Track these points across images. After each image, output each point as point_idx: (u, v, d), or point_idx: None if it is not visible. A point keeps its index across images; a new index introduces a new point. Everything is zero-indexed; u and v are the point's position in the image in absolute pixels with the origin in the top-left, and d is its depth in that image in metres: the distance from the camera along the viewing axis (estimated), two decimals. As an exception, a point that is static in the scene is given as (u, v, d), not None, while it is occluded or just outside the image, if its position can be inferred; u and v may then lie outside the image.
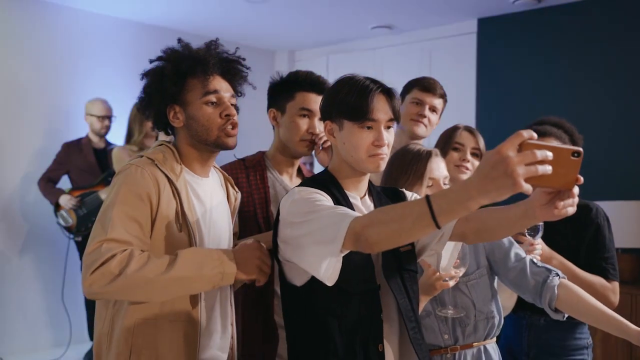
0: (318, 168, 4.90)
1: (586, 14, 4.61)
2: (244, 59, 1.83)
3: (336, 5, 4.93)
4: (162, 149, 1.72)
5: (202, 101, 1.71)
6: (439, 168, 1.95)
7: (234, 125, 1.73)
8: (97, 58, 5.12)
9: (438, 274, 1.73)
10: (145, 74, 1.76)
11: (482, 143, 2.35)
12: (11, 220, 4.70)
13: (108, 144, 4.65)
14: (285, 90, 2.13)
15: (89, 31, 5.09)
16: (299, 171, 2.23)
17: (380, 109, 1.54)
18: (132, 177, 1.59)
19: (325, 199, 1.51)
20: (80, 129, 4.75)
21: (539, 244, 2.05)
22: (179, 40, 1.79)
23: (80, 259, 4.49)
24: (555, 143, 2.10)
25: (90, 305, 4.51)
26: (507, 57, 5.03)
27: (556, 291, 1.84)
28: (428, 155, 1.95)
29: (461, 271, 1.75)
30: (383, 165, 1.58)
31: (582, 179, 1.17)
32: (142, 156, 1.68)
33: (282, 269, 1.60)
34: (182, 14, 5.15)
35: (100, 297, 1.52)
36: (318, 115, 2.03)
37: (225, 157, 2.15)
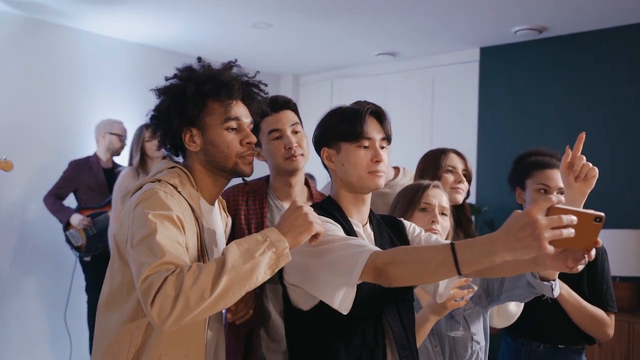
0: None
1: (587, 45, 4.69)
2: (265, 85, 1.77)
3: (342, 32, 5.02)
4: (178, 172, 1.64)
5: (223, 127, 1.63)
6: (436, 196, 2.00)
7: (253, 154, 1.68)
8: (106, 80, 5.19)
9: (451, 292, 1.72)
10: (162, 92, 1.67)
11: (469, 165, 2.43)
12: (10, 237, 4.68)
13: (115, 165, 4.68)
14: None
15: (99, 53, 5.17)
16: (310, 195, 2.26)
17: (373, 128, 1.64)
18: (163, 204, 1.50)
19: (337, 229, 1.56)
20: (86, 148, 4.81)
21: None
22: (199, 60, 1.70)
23: (86, 280, 4.52)
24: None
25: (94, 326, 4.49)
26: (508, 85, 5.10)
27: None
28: (427, 185, 2.02)
29: (473, 290, 1.76)
30: (382, 183, 1.63)
31: (600, 242, 1.23)
32: (159, 180, 1.59)
33: (287, 293, 1.63)
34: (190, 38, 5.24)
35: (177, 325, 1.36)
36: (288, 130, 2.11)
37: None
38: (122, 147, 4.64)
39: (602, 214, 1.18)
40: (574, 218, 1.15)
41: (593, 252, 1.23)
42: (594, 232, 1.19)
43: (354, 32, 4.99)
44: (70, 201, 4.58)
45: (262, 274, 1.42)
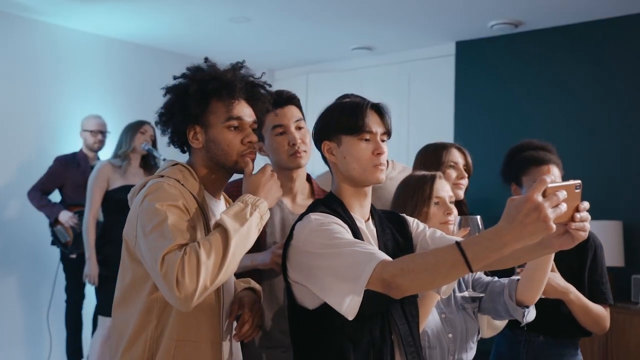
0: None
1: (563, 40, 4.73)
2: (270, 85, 1.83)
3: (318, 26, 4.99)
4: (179, 169, 1.70)
5: (225, 125, 1.69)
6: (444, 188, 2.05)
7: (254, 153, 1.73)
8: (84, 75, 5.11)
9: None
10: (169, 91, 1.74)
11: (469, 159, 2.43)
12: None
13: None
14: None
15: (76, 49, 5.09)
16: (312, 191, 2.23)
17: (374, 121, 1.64)
18: (168, 194, 1.58)
19: (344, 230, 1.56)
20: (65, 144, 4.73)
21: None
22: (206, 60, 1.76)
23: (66, 279, 4.45)
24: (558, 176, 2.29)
25: (72, 325, 4.43)
26: (484, 79, 5.12)
27: (516, 279, 1.92)
28: (433, 177, 2.06)
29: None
30: (383, 177, 1.64)
31: (585, 204, 1.29)
32: (162, 176, 1.66)
33: (291, 290, 1.62)
34: (167, 31, 5.17)
35: (200, 299, 1.47)
36: (292, 126, 2.10)
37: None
38: (98, 142, 4.56)
39: (579, 181, 1.27)
40: (565, 193, 1.22)
41: (585, 214, 1.29)
42: (576, 200, 1.28)
43: (329, 26, 4.96)
44: (54, 196, 4.50)
45: (254, 235, 1.57)
